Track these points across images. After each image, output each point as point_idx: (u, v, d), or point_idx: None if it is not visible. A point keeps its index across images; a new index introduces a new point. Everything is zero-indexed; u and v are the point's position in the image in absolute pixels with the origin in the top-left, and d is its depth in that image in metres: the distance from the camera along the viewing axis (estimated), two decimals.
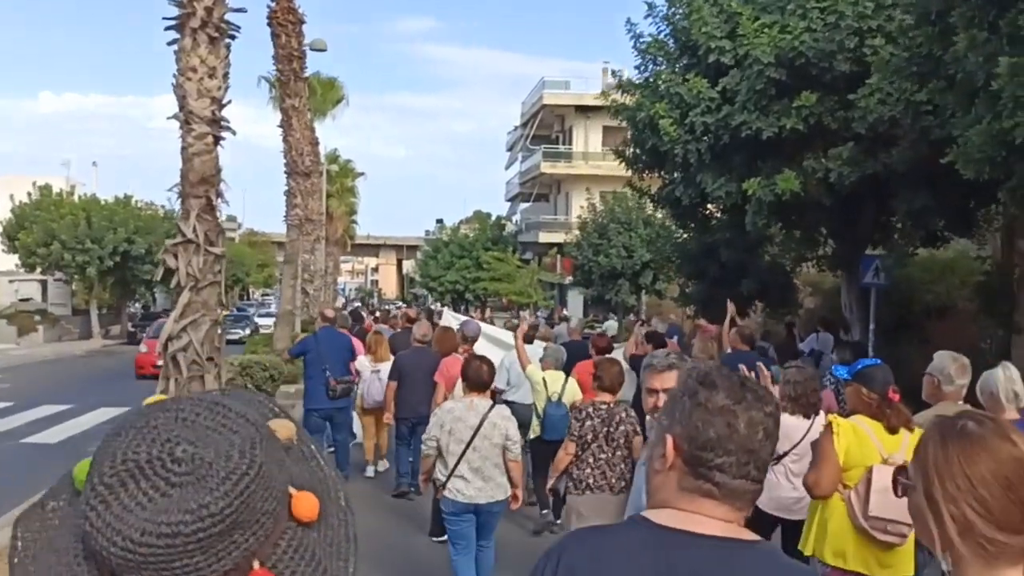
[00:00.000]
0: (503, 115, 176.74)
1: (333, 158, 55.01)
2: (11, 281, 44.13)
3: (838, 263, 13.75)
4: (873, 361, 4.70)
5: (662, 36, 12.95)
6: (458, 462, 5.69)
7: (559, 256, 43.05)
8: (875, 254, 12.82)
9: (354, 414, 10.95)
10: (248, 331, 35.93)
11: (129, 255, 36.76)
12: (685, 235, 18.64)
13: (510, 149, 62.92)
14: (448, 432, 5.73)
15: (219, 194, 9.48)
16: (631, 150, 14.50)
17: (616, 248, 28.34)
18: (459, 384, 7.43)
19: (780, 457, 5.52)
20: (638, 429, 5.67)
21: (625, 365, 7.60)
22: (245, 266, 64.67)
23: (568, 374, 8.46)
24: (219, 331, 9.40)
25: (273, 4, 19.91)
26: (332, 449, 10.10)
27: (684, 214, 14.52)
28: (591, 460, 5.62)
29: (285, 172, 20.52)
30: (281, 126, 20.38)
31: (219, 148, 9.53)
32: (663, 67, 12.64)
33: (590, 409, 5.72)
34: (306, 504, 1.02)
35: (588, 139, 48.10)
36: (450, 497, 5.79)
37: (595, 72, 50.46)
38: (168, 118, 9.42)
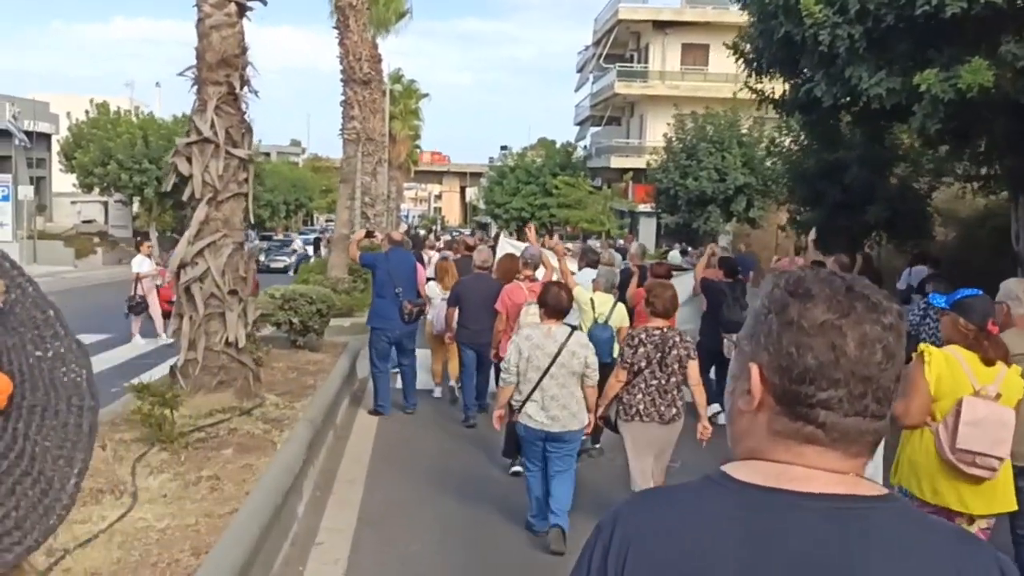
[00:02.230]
0: (569, 41, 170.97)
1: (397, 78, 52.90)
2: (73, 203, 43.52)
3: (1015, 183, 11.09)
4: (973, 291, 4.45)
5: None
6: (534, 389, 5.60)
7: (631, 182, 40.65)
8: None
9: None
10: (295, 259, 34.45)
11: None
12: (799, 151, 16.07)
13: (580, 70, 60.08)
14: (526, 359, 5.62)
15: (245, 81, 7.39)
16: (752, 45, 11.90)
17: (707, 171, 25.53)
18: (524, 310, 7.65)
19: None
20: (692, 353, 5.73)
21: (687, 292, 7.61)
22: (308, 191, 64.26)
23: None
24: (245, 256, 7.40)
25: None
26: (396, 370, 9.99)
27: (821, 120, 11.92)
28: (642, 386, 5.63)
29: (341, 80, 18.31)
30: (336, 27, 18.11)
31: (245, 20, 7.41)
32: None
33: (643, 335, 5.68)
34: None
35: (666, 57, 45.14)
36: (524, 422, 5.73)
37: None
38: None
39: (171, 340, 14.56)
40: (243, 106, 7.32)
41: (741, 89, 13.23)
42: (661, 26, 44.65)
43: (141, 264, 15.92)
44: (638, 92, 44.91)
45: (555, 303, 5.77)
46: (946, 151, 13.39)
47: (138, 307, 15.71)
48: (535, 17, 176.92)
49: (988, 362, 4.22)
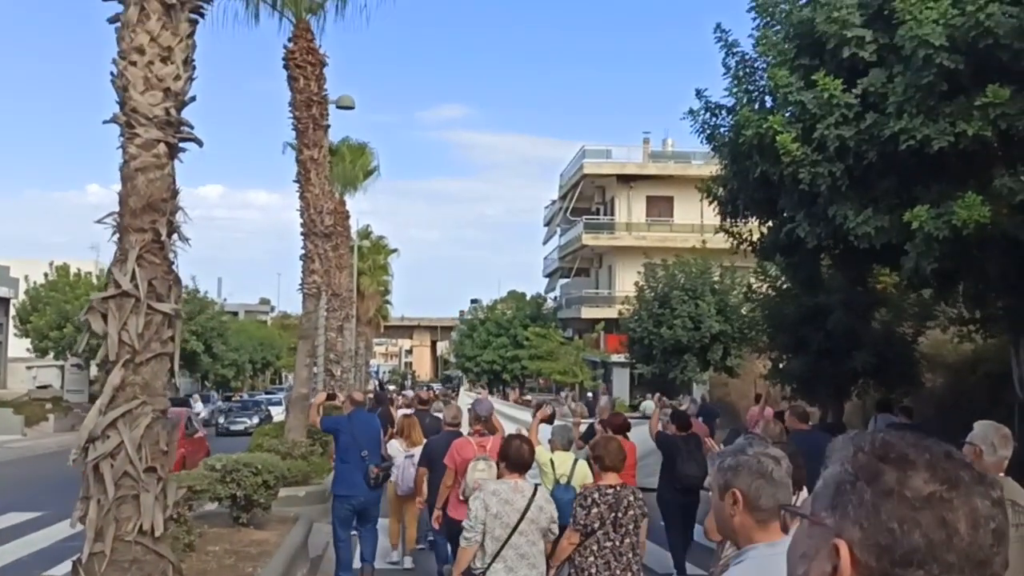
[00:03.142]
0: (535, 199, 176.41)
1: (365, 234, 53.16)
2: (29, 367, 42.13)
3: (1015, 325, 10.42)
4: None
5: (774, 34, 9.96)
6: (502, 547, 5.23)
7: (603, 332, 40.29)
8: None
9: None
10: (257, 420, 33.05)
11: None
12: (776, 297, 15.51)
13: (548, 224, 61.11)
14: (494, 516, 5.28)
15: (174, 229, 6.59)
16: (725, 188, 11.46)
17: (681, 319, 24.97)
18: (471, 466, 7.25)
19: None
20: (646, 511, 5.58)
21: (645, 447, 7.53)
22: (276, 349, 63.74)
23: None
24: (166, 427, 6.40)
25: (290, 44, 17.45)
26: (355, 533, 9.44)
27: (803, 263, 11.34)
28: (595, 548, 5.38)
29: (302, 234, 17.71)
30: (297, 180, 17.63)
31: (176, 162, 6.70)
32: (782, 69, 9.54)
33: (596, 495, 5.45)
34: None
35: (631, 209, 45.96)
36: None
37: (635, 140, 48.40)
38: (104, 122, 6.63)
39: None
40: (170, 255, 6.51)
41: (717, 233, 12.75)
42: (625, 180, 45.61)
43: None
44: (605, 243, 45.31)
45: (517, 457, 5.50)
46: (931, 294, 12.87)
47: None
48: (502, 175, 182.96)
49: None
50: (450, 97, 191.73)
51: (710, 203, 11.84)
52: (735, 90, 10.43)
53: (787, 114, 9.32)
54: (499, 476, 5.66)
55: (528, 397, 17.81)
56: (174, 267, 6.59)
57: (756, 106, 10.45)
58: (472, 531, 5.29)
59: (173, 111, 6.58)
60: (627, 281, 36.28)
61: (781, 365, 15.67)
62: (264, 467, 9.96)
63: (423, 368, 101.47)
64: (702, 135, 10.97)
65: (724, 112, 11.23)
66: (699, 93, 11.36)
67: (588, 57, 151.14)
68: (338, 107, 22.03)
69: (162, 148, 6.50)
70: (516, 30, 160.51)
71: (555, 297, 55.72)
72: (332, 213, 19.17)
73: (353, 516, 9.18)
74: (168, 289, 6.46)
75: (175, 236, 6.62)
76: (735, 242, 12.20)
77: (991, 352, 14.69)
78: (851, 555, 1.01)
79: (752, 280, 16.08)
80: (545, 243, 62.60)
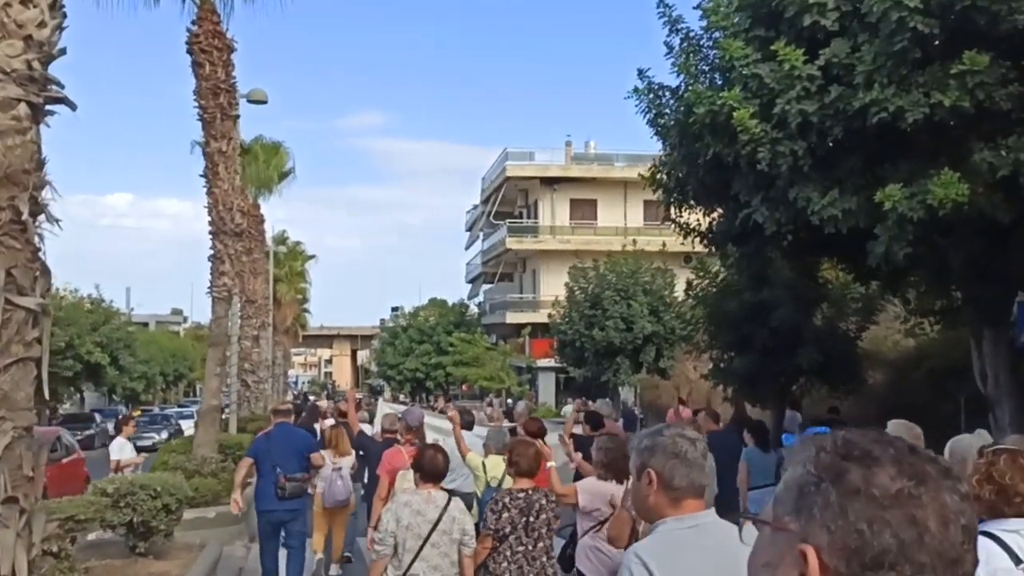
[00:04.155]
0: (455, 206, 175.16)
1: (281, 239, 51.37)
2: None
3: (979, 315, 9.84)
4: (822, 429, 4.33)
5: (726, 5, 9.19)
6: (414, 560, 5.12)
7: (528, 337, 39.67)
8: None
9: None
10: (166, 435, 31.15)
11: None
12: (717, 292, 14.87)
13: (470, 229, 60.20)
14: (405, 527, 5.15)
15: (40, 208, 5.45)
16: (670, 174, 10.69)
17: (613, 320, 24.29)
18: (400, 476, 7.27)
19: (602, 523, 5.40)
20: (559, 514, 5.67)
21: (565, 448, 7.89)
22: (189, 360, 61.51)
23: None
24: (33, 448, 5.24)
25: (194, 27, 16.10)
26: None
27: (759, 252, 10.60)
28: (508, 554, 5.44)
29: (210, 233, 16.32)
30: (204, 175, 16.26)
31: (43, 127, 5.55)
32: (736, 40, 8.76)
33: (507, 499, 5.53)
34: None
35: (555, 213, 45.45)
36: None
37: (558, 146, 47.83)
38: None
39: None
40: (35, 239, 5.36)
41: (664, 222, 11.99)
42: (549, 182, 45.09)
43: (122, 449, 12.66)
44: (530, 247, 44.71)
45: (431, 467, 5.41)
46: (878, 287, 12.36)
47: None
48: (422, 182, 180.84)
49: None
50: (368, 104, 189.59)
51: (655, 191, 11.07)
52: (685, 64, 9.64)
53: (742, 89, 8.58)
54: (415, 486, 5.54)
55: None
56: (40, 254, 5.44)
57: (706, 84, 9.71)
58: (382, 544, 5.20)
59: (37, 64, 5.44)
60: (552, 285, 35.69)
61: (722, 364, 15.04)
62: (164, 489, 8.74)
63: (343, 378, 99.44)
64: (647, 116, 10.18)
65: (668, 94, 10.49)
66: (641, 73, 10.59)
67: (508, 63, 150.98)
68: (249, 101, 20.73)
69: (23, 109, 5.35)
70: (436, 36, 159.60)
71: (479, 303, 54.88)
72: (244, 213, 17.87)
73: (276, 530, 8.87)
74: (33, 280, 5.31)
75: (41, 216, 5.48)
76: (683, 233, 11.46)
77: (935, 347, 14.33)
78: (819, 561, 0.97)
79: (691, 276, 15.50)
80: (468, 248, 61.73)
